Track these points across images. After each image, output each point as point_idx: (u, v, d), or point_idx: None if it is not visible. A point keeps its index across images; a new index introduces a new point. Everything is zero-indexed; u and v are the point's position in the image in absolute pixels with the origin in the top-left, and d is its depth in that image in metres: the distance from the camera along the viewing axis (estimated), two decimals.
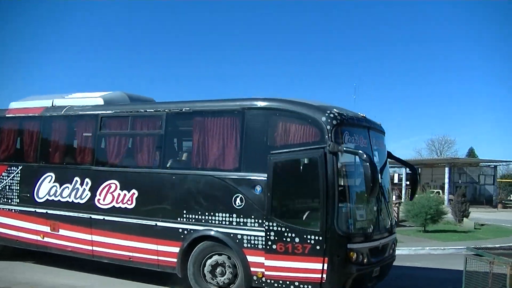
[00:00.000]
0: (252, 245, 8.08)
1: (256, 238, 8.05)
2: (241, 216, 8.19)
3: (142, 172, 9.37)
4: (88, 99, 10.65)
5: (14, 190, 11.01)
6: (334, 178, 7.60)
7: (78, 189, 10.01)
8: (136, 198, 9.25)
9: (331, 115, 7.80)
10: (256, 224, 8.05)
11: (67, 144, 10.69)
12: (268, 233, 7.92)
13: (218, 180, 8.49)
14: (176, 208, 8.82)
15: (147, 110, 9.51)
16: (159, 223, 8.97)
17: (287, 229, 7.78)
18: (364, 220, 8.18)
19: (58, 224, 10.26)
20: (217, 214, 8.41)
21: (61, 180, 10.28)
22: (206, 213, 8.50)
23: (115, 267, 9.95)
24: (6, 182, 11.14)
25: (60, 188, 10.27)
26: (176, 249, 8.78)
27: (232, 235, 8.25)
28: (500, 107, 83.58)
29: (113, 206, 9.51)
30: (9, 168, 11.15)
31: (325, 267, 7.51)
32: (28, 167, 10.92)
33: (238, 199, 8.21)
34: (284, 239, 7.80)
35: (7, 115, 11.56)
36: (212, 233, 8.44)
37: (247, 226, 8.14)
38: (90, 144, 10.11)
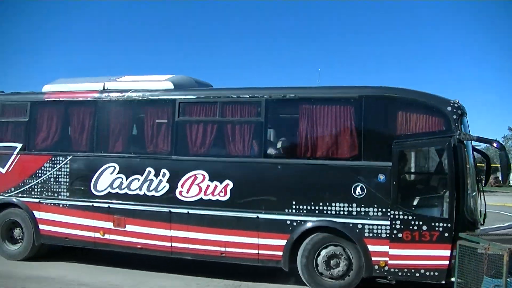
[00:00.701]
0: (375, 235, 8.01)
1: (379, 227, 7.99)
2: (362, 205, 8.07)
3: (238, 161, 8.86)
4: (152, 83, 9.82)
5: (62, 183, 9.92)
6: (463, 166, 7.77)
7: (152, 180, 9.24)
8: (231, 190, 8.73)
9: (455, 106, 7.93)
10: (380, 213, 7.99)
11: (133, 132, 9.80)
12: (393, 222, 7.89)
13: (334, 169, 8.30)
14: (283, 199, 8.48)
15: (241, 96, 8.98)
16: (261, 215, 8.56)
17: (414, 217, 7.82)
18: (475, 207, 8.44)
19: (125, 219, 9.42)
20: (333, 204, 8.21)
21: (128, 171, 9.43)
22: (321, 203, 8.27)
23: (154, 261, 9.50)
24: (51, 174, 10.01)
25: (126, 180, 9.42)
26: (282, 242, 8.46)
27: (351, 225, 8.12)
28: None
29: (201, 198, 8.91)
30: (53, 158, 10.01)
31: (454, 253, 7.64)
32: (81, 157, 9.88)
33: (358, 188, 8.08)
34: (411, 227, 7.83)
35: (46, 99, 10.35)
36: (329, 223, 8.23)
37: (369, 215, 8.04)
38: (166, 132, 9.35)
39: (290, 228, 8.40)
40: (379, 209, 7.98)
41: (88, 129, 9.86)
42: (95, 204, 9.63)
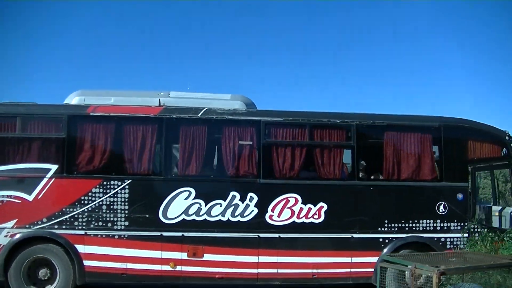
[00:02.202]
0: (454, 246, 9.42)
1: (458, 239, 9.41)
2: (445, 221, 9.41)
3: (332, 184, 9.31)
4: (219, 101, 9.55)
5: (119, 211, 8.91)
6: None
7: (237, 205, 9.05)
8: (326, 212, 9.18)
9: (510, 135, 9.86)
10: (459, 227, 9.42)
11: (210, 154, 9.32)
12: (471, 235, 9.39)
13: (421, 190, 9.44)
14: (376, 219, 9.28)
15: (331, 121, 9.45)
16: (355, 235, 9.22)
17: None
18: None
19: (202, 248, 8.99)
20: (420, 221, 9.36)
21: (208, 196, 9.02)
22: (410, 221, 9.33)
23: None
24: (102, 201, 8.89)
25: (205, 205, 9.00)
26: (374, 259, 9.24)
27: (435, 239, 9.38)
28: None
29: (293, 221, 9.12)
30: (105, 183, 8.91)
31: None
32: (145, 181, 9.03)
33: (441, 206, 9.39)
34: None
35: (91, 113, 9.11)
36: (418, 239, 9.33)
37: (450, 230, 9.41)
38: (251, 154, 9.21)
39: (382, 245, 9.23)
40: (458, 224, 9.39)
41: (152, 149, 9.06)
42: (165, 234, 8.93)
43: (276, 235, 9.06)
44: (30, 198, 8.80)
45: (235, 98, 9.68)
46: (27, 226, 8.78)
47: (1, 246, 8.73)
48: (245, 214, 9.03)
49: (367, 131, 9.59)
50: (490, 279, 7.29)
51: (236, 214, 9.01)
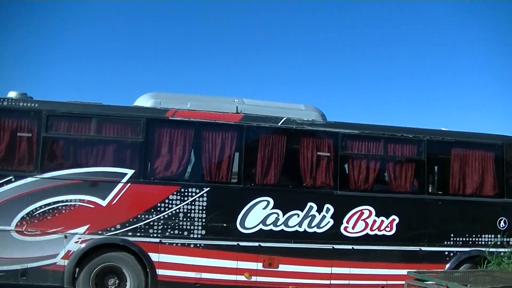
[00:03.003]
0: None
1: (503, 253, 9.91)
2: (505, 236, 9.92)
3: (404, 197, 9.57)
4: (291, 110, 9.58)
5: (196, 219, 8.78)
6: None
7: (314, 216, 9.15)
8: (397, 224, 9.44)
9: None
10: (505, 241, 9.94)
11: (289, 163, 9.30)
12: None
13: (486, 205, 9.89)
14: (443, 232, 9.65)
15: (404, 135, 9.69)
16: (423, 248, 9.55)
17: None
18: None
19: (278, 258, 9.02)
20: (483, 236, 9.82)
21: (286, 206, 9.06)
22: (473, 235, 9.77)
23: None
24: (179, 208, 8.74)
25: (283, 215, 9.05)
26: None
27: (495, 253, 9.87)
28: None
29: (367, 234, 9.33)
30: (183, 190, 8.75)
31: None
32: (223, 189, 8.94)
33: (502, 222, 9.90)
34: None
35: (171, 117, 8.89)
36: (480, 253, 9.77)
37: (509, 244, 9.94)
38: (328, 165, 9.30)
39: (448, 259, 9.62)
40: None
41: (231, 157, 8.97)
42: (242, 243, 8.89)
43: (350, 247, 9.23)
44: (103, 203, 8.50)
45: (308, 109, 9.76)
46: (99, 232, 8.48)
47: (71, 252, 8.39)
48: (321, 225, 9.13)
49: (437, 146, 9.90)
50: None
51: (312, 225, 9.10)
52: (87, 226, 8.43)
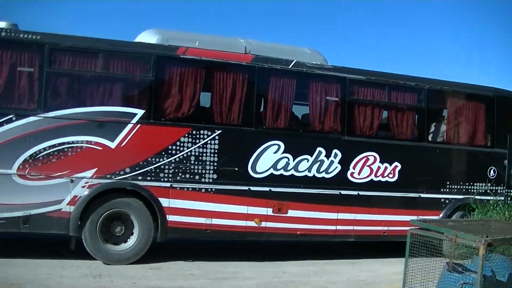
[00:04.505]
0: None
1: (497, 202, 10.74)
2: (493, 185, 10.72)
3: (405, 144, 10.05)
4: (297, 53, 9.70)
5: (207, 163, 8.80)
6: None
7: (322, 161, 9.43)
8: (399, 171, 9.95)
9: None
10: (499, 191, 10.79)
11: (299, 107, 9.51)
12: (506, 198, 10.81)
13: (478, 155, 10.63)
14: (440, 180, 10.28)
15: (407, 83, 10.14)
16: (422, 195, 10.15)
17: None
18: None
19: (287, 204, 9.25)
20: (475, 184, 10.57)
21: (296, 150, 9.27)
22: (467, 183, 10.49)
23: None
24: (190, 151, 8.71)
25: (293, 160, 9.26)
26: (435, 218, 10.29)
27: (485, 201, 10.67)
28: None
29: (371, 180, 9.76)
30: (194, 132, 8.70)
31: None
32: (235, 132, 8.98)
33: (491, 171, 10.69)
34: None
35: (182, 55, 8.77)
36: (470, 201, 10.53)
37: (497, 193, 10.75)
38: (336, 110, 9.57)
39: (443, 206, 10.28)
40: (501, 188, 10.75)
41: (243, 99, 9.00)
42: (253, 188, 9.03)
43: (355, 193, 9.62)
44: (112, 145, 8.29)
45: (313, 53, 9.94)
46: (108, 176, 8.27)
47: (78, 197, 8.12)
48: (329, 171, 9.43)
49: (436, 96, 10.45)
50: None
51: (321, 170, 9.37)
52: (94, 170, 8.19)
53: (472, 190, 10.47)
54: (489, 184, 10.59)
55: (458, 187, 10.36)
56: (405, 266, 5.98)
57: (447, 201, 10.28)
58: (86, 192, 8.12)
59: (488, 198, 10.55)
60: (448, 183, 10.28)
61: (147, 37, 8.99)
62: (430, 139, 10.36)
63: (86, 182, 8.14)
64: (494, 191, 10.61)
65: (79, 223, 8.10)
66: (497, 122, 10.73)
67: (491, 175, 10.59)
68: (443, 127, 10.55)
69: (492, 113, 10.71)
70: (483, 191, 10.55)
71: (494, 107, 10.72)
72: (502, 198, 10.70)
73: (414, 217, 9.60)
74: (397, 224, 9.84)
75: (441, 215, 10.24)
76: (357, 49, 28.95)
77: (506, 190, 10.76)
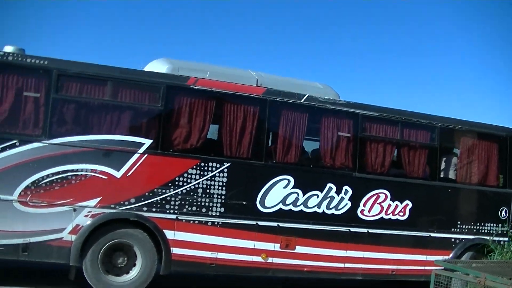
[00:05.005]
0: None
1: (505, 242, 10.59)
2: (504, 225, 10.59)
3: (417, 183, 9.91)
4: (309, 87, 9.64)
5: (215, 196, 8.64)
6: None
7: (332, 197, 9.29)
8: (410, 210, 9.81)
9: None
10: (509, 232, 10.65)
11: (307, 142, 9.40)
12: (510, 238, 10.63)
13: (488, 195, 10.50)
14: (450, 220, 10.14)
15: (420, 120, 10.04)
16: (433, 234, 10.00)
17: None
18: None
19: (296, 240, 9.08)
20: (486, 224, 10.43)
21: (306, 186, 9.13)
22: (478, 223, 10.35)
23: None
24: (198, 183, 8.55)
25: (303, 196, 9.12)
26: (446, 258, 10.13)
27: (497, 241, 10.52)
28: None
29: (381, 218, 9.61)
30: (203, 164, 8.57)
31: None
32: (244, 165, 8.84)
33: (503, 211, 10.57)
34: None
35: (192, 86, 8.66)
36: (483, 241, 10.35)
37: (507, 233, 10.63)
38: (348, 146, 9.47)
39: (453, 245, 10.12)
40: (510, 228, 10.61)
41: (254, 132, 8.89)
42: (260, 223, 8.87)
43: (365, 230, 9.46)
44: (118, 174, 8.12)
45: (325, 87, 9.88)
46: (112, 206, 8.10)
47: (80, 227, 7.93)
48: (339, 207, 9.28)
49: (449, 134, 10.36)
50: None
51: (331, 207, 9.23)
52: (98, 199, 8.02)
53: (483, 231, 10.32)
54: (500, 225, 10.44)
55: (469, 227, 10.23)
56: None
57: (457, 241, 10.13)
58: (89, 221, 7.94)
59: (500, 239, 10.41)
60: (459, 222, 10.15)
61: (157, 66, 8.90)
62: (442, 178, 10.22)
63: (89, 211, 7.97)
64: (505, 231, 10.47)
65: (80, 253, 7.89)
66: (510, 162, 10.62)
67: (502, 215, 10.45)
68: (456, 166, 10.43)
69: (505, 153, 10.61)
70: (494, 231, 10.39)
71: (507, 147, 10.62)
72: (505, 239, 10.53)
73: (424, 257, 9.65)
74: (406, 263, 9.73)
75: (451, 255, 10.08)
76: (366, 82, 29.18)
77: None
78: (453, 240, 10.10)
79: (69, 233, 7.87)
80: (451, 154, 10.56)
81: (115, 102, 8.25)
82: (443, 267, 7.13)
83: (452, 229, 10.09)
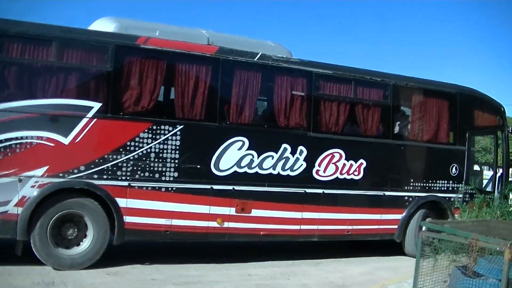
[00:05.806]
0: (456, 206, 11.06)
1: (458, 199, 11.03)
2: (455, 182, 11.02)
3: (371, 141, 10.13)
4: (261, 46, 9.59)
5: (168, 160, 8.55)
6: (508, 152, 11.83)
7: (288, 158, 9.37)
8: (364, 169, 10.04)
9: (503, 108, 11.80)
10: (460, 188, 11.10)
11: (261, 102, 9.39)
12: (464, 195, 11.07)
13: (442, 152, 10.87)
14: (404, 178, 10.46)
15: (373, 78, 10.21)
16: (387, 193, 10.30)
17: (473, 191, 11.17)
18: None
19: (251, 203, 9.13)
20: (437, 181, 10.83)
21: (261, 147, 9.15)
22: (430, 181, 10.73)
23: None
24: (150, 148, 8.44)
25: (258, 157, 9.15)
26: (398, 216, 10.45)
27: (447, 198, 10.95)
28: None
29: (336, 177, 9.79)
30: (155, 127, 8.45)
31: None
32: (197, 127, 8.77)
33: (453, 168, 10.99)
34: (470, 199, 11.15)
35: (142, 45, 8.45)
36: (435, 198, 10.77)
37: (457, 190, 11.06)
38: (302, 106, 9.51)
39: (407, 204, 10.47)
40: (461, 185, 11.05)
41: (206, 93, 8.79)
42: (215, 187, 8.86)
43: (321, 191, 9.63)
44: (66, 141, 7.86)
45: (277, 46, 9.85)
46: (60, 174, 7.86)
47: (26, 198, 7.66)
48: (294, 168, 9.38)
49: (401, 92, 10.59)
50: None
51: (286, 168, 9.31)
52: (45, 168, 7.74)
53: (434, 188, 10.71)
54: (451, 182, 10.85)
55: (421, 184, 10.58)
56: (416, 269, 6.01)
57: (410, 199, 10.48)
58: (35, 192, 7.67)
59: (450, 195, 10.84)
60: (412, 180, 10.48)
61: (103, 25, 8.61)
62: (395, 135, 10.49)
63: (36, 182, 7.70)
64: (456, 188, 10.89)
65: (27, 226, 7.65)
66: (459, 120, 11.00)
67: (453, 172, 10.86)
68: (408, 124, 10.72)
69: (455, 110, 10.96)
70: (445, 188, 10.80)
71: (457, 104, 10.97)
72: (459, 195, 10.94)
73: (378, 216, 9.92)
74: (361, 223, 10.00)
75: (404, 213, 10.42)
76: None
77: (467, 188, 10.99)
78: (406, 198, 10.43)
79: (15, 205, 7.58)
80: (404, 112, 10.82)
81: (60, 63, 7.92)
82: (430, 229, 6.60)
83: (406, 187, 10.41)
